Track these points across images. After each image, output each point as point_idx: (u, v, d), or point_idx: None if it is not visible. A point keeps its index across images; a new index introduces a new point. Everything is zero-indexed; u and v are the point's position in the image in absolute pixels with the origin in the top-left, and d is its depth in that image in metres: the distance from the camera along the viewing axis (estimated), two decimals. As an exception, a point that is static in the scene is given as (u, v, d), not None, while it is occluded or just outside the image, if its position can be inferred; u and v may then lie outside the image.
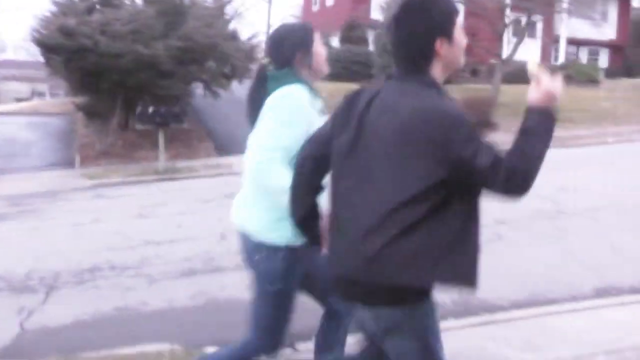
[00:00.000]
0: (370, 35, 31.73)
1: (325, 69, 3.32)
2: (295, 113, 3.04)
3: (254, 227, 3.17)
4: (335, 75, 30.63)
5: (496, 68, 23.56)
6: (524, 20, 25.32)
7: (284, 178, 2.90)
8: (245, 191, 3.29)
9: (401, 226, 2.37)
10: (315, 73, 3.28)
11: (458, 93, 22.97)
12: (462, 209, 2.44)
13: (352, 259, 2.47)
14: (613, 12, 40.53)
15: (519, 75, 28.83)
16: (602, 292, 5.82)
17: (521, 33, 24.14)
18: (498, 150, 2.36)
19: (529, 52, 35.12)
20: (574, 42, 37.63)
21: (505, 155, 2.35)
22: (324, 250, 2.75)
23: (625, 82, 31.88)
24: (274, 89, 3.10)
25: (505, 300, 5.69)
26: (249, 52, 21.17)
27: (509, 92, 24.46)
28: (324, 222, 2.78)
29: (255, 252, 3.18)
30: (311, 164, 2.76)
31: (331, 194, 2.65)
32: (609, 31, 39.79)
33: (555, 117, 2.44)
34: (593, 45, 39.44)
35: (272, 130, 3.02)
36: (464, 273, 2.44)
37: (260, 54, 26.55)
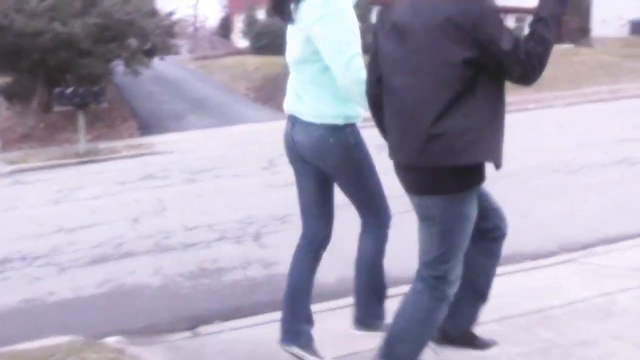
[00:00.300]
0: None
1: None
2: (348, 14, 3.33)
3: (316, 113, 3.45)
4: (260, 48, 30.53)
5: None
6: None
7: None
8: (294, 87, 3.57)
9: (447, 111, 2.72)
10: None
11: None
12: (492, 92, 2.79)
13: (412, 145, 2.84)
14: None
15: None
16: (505, 260, 5.90)
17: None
18: (517, 34, 2.70)
19: None
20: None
21: (524, 39, 2.70)
22: None
23: (553, 48, 32.37)
24: None
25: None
26: (168, 29, 20.86)
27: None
28: None
29: (328, 137, 3.44)
30: (374, 83, 3.10)
31: (386, 92, 2.99)
32: (533, -2, 40.38)
33: (565, 7, 2.78)
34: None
35: (345, 31, 3.29)
36: (495, 151, 2.84)
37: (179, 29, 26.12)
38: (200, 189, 10.09)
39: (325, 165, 3.59)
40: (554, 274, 5.27)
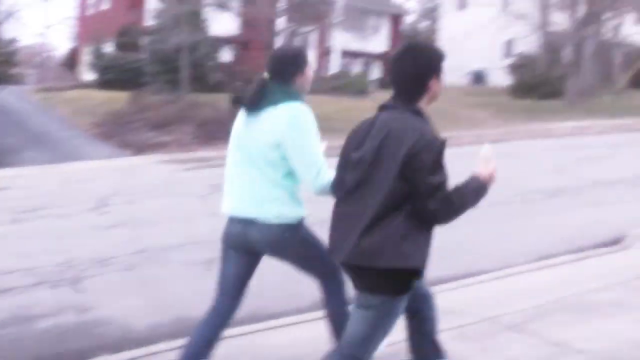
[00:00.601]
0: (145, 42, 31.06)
1: (309, 87, 4.00)
2: (312, 124, 3.78)
3: (276, 214, 3.80)
4: (107, 82, 29.96)
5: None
6: (299, 31, 26.01)
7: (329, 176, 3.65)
8: (252, 191, 3.87)
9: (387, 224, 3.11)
10: (304, 90, 3.96)
11: (228, 101, 23.30)
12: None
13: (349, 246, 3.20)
14: (385, 26, 42.72)
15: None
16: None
17: (288, 44, 24.76)
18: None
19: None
20: (347, 54, 39.14)
21: (447, 192, 3.09)
22: None
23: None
24: (279, 101, 3.76)
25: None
26: (9, 57, 20.16)
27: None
28: None
29: (282, 232, 3.82)
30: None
31: (338, 196, 3.43)
32: (381, 44, 41.89)
33: (487, 191, 3.25)
34: (366, 56, 41.26)
35: (314, 145, 3.73)
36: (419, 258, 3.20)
37: (24, 58, 25.19)
38: (23, 230, 9.73)
39: (280, 256, 4.02)
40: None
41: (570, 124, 21.34)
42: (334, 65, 38.71)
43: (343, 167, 3.42)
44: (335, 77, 34.05)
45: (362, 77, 35.03)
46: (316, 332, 5.24)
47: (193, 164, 15.84)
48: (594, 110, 24.68)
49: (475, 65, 46.52)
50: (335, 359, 3.48)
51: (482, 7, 36.86)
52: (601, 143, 17.70)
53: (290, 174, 3.82)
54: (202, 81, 27.53)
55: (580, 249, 7.31)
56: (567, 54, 31.40)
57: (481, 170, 3.28)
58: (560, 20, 31.29)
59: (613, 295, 5.69)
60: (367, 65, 41.93)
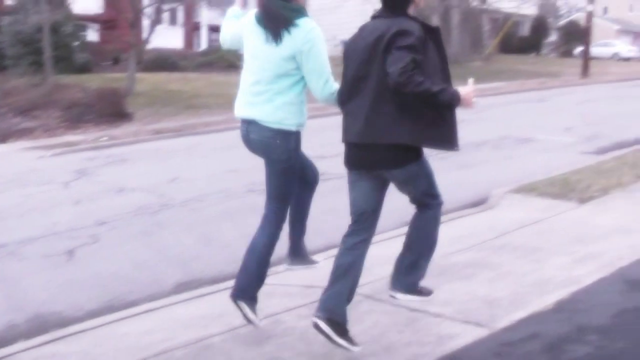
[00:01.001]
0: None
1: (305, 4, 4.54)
2: (324, 40, 4.24)
3: (272, 118, 4.24)
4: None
5: (130, 57, 23.26)
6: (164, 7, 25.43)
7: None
8: (255, 92, 4.32)
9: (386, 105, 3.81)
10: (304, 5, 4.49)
11: (95, 82, 22.66)
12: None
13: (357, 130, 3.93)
14: (253, 0, 42.27)
15: (159, 63, 29.08)
16: (183, 287, 5.96)
17: (154, 22, 24.23)
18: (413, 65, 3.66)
19: (172, 39, 35.56)
20: (216, 29, 38.53)
21: (417, 76, 3.62)
22: None
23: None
24: (292, 17, 4.18)
25: (82, 310, 5.59)
26: None
27: (147, 80, 24.54)
28: None
29: (275, 137, 4.27)
30: None
31: (342, 89, 4.13)
32: (249, 17, 41.46)
33: (455, 104, 3.80)
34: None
35: (325, 58, 4.19)
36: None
37: None
38: None
39: (268, 158, 4.43)
40: (220, 300, 5.27)
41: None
42: (204, 41, 38.17)
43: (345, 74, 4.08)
44: (205, 53, 33.60)
45: (233, 52, 34.58)
46: (177, 316, 5.21)
47: (59, 149, 15.25)
48: (463, 75, 25.28)
49: (348, 35, 46.89)
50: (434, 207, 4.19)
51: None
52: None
53: (298, 83, 4.28)
54: (68, 62, 26.47)
55: (445, 212, 7.45)
56: (435, 22, 32.05)
57: (464, 91, 3.80)
58: (426, -11, 31.88)
59: (471, 256, 5.83)
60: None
